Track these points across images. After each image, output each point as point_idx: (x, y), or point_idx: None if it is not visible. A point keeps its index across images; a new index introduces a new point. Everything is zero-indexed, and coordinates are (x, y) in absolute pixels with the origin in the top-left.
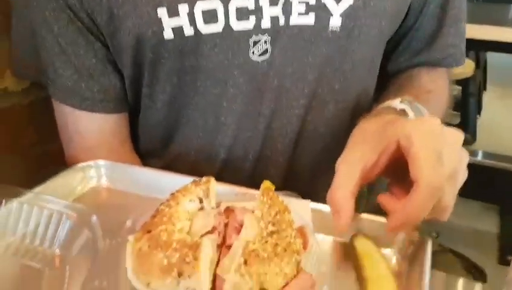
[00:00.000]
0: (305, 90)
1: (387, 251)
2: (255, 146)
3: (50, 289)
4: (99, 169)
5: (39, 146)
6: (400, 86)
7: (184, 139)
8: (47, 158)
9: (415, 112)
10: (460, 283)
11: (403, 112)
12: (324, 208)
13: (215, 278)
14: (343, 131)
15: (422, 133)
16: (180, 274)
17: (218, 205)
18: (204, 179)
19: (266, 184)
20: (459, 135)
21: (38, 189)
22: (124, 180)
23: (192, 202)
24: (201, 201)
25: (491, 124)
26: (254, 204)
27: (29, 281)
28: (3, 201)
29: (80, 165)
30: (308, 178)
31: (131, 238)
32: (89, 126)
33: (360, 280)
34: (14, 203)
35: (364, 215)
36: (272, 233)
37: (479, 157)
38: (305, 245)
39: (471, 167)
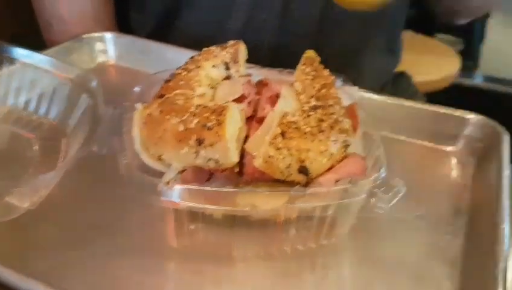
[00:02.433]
0: None
1: (450, 148)
2: (272, 32)
3: (44, 159)
4: (105, 42)
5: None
6: None
7: (187, 24)
8: None
9: None
10: None
11: None
12: (373, 96)
13: (242, 155)
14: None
15: None
16: (200, 142)
17: (248, 76)
18: (231, 42)
19: (309, 53)
20: None
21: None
22: (132, 54)
23: (216, 69)
24: (227, 68)
25: (495, 51)
26: (293, 76)
27: (20, 150)
28: None
29: (86, 36)
30: (334, 70)
31: (139, 105)
32: (68, 9)
33: None
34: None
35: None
36: (315, 108)
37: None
38: (355, 127)
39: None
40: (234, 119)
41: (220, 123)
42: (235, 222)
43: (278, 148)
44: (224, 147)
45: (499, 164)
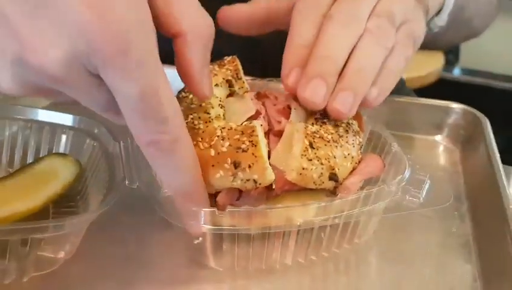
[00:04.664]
0: None
1: (437, 138)
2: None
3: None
4: None
5: None
6: None
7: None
8: None
9: None
10: None
11: None
12: None
13: None
14: None
15: None
16: (236, 165)
17: (252, 91)
18: (227, 58)
19: None
20: None
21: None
22: None
23: (220, 87)
24: (231, 85)
25: (475, 45)
26: None
27: None
28: None
29: None
30: None
31: None
32: None
33: None
34: None
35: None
36: (325, 114)
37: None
38: (361, 126)
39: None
40: (263, 139)
41: (254, 144)
42: (270, 234)
43: (310, 160)
44: (262, 167)
45: (486, 148)
